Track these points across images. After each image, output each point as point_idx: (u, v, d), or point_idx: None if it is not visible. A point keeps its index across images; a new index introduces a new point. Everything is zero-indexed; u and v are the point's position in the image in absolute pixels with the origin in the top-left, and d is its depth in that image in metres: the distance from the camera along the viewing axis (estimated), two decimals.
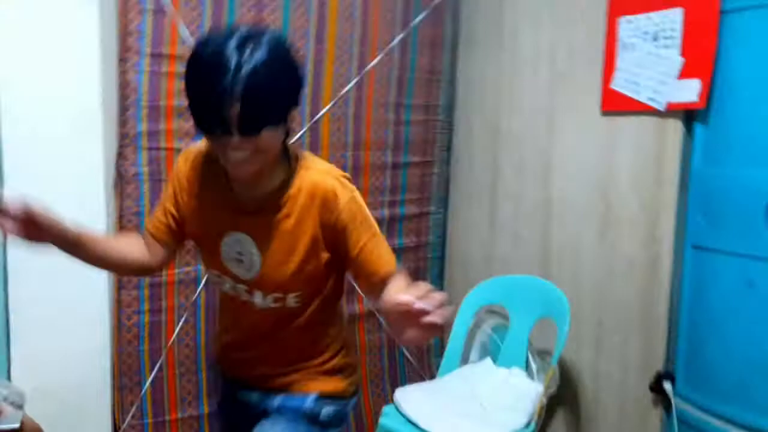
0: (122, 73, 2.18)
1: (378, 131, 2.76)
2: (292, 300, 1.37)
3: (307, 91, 2.52)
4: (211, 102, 1.12)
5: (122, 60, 2.17)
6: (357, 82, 2.64)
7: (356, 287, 2.69)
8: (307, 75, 2.52)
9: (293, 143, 1.38)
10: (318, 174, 1.32)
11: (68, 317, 2.09)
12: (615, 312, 2.38)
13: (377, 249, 1.33)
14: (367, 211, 1.34)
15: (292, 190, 1.30)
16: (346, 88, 2.62)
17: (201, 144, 1.38)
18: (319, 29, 2.53)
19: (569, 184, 2.52)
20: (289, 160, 1.33)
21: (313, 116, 2.55)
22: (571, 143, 2.51)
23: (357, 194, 1.33)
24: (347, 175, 1.37)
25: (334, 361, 1.49)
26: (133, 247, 1.43)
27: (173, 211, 1.41)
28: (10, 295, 2.00)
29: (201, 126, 1.19)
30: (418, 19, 2.78)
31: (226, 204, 1.34)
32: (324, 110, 2.58)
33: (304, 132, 2.53)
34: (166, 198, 1.43)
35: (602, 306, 2.42)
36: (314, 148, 2.55)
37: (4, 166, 1.97)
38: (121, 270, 1.66)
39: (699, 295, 2.13)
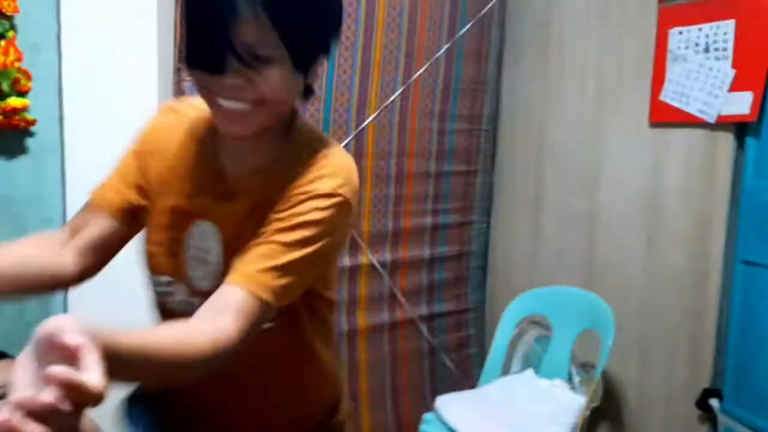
0: (177, 83, 2.26)
1: (422, 140, 2.79)
2: None
3: (353, 100, 2.56)
4: (211, 18, 0.83)
5: (177, 70, 2.25)
6: (402, 92, 2.68)
7: (357, 297, 2.70)
8: (354, 84, 2.56)
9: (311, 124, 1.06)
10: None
11: None
12: (661, 326, 2.34)
13: (273, 254, 0.90)
14: (335, 223, 0.94)
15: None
16: (392, 98, 2.66)
17: (194, 102, 1.05)
18: (366, 38, 2.57)
19: (616, 196, 2.50)
20: (293, 133, 1.00)
21: (358, 125, 2.59)
22: (618, 155, 2.49)
23: (350, 204, 0.96)
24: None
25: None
26: (36, 250, 1.00)
27: (138, 178, 1.04)
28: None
29: (192, 57, 0.88)
30: (464, 30, 2.80)
31: (205, 180, 1.00)
32: (370, 119, 2.61)
33: (350, 140, 2.57)
34: (130, 161, 1.06)
35: (648, 320, 2.39)
36: (358, 156, 2.58)
37: (67, 175, 2.06)
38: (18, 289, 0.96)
39: (749, 311, 2.09)
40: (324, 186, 0.93)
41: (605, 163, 2.53)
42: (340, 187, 0.94)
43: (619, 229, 2.49)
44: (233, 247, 0.94)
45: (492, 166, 3.05)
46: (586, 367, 2.47)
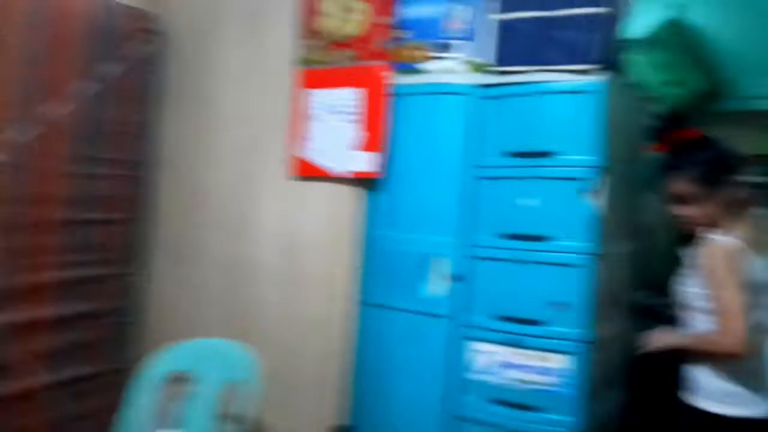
0: None
1: (64, 185, 2.51)
2: None
3: None
4: None
5: None
6: (39, 133, 2.39)
7: None
8: None
9: None
10: None
11: None
12: (303, 370, 2.45)
13: None
14: None
15: None
16: (24, 138, 2.36)
17: None
18: None
19: (261, 245, 2.58)
20: None
21: None
22: (264, 205, 2.59)
23: None
24: None
25: None
26: None
27: None
28: None
29: None
30: (114, 72, 2.66)
31: None
32: None
33: None
34: None
35: (292, 364, 2.47)
36: None
37: None
38: None
39: (369, 349, 2.32)
40: None
41: (253, 212, 2.61)
42: None
43: (264, 277, 2.56)
44: None
45: (145, 214, 2.90)
46: (234, 418, 2.43)
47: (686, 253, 1.77)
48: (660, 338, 1.76)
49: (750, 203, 1.77)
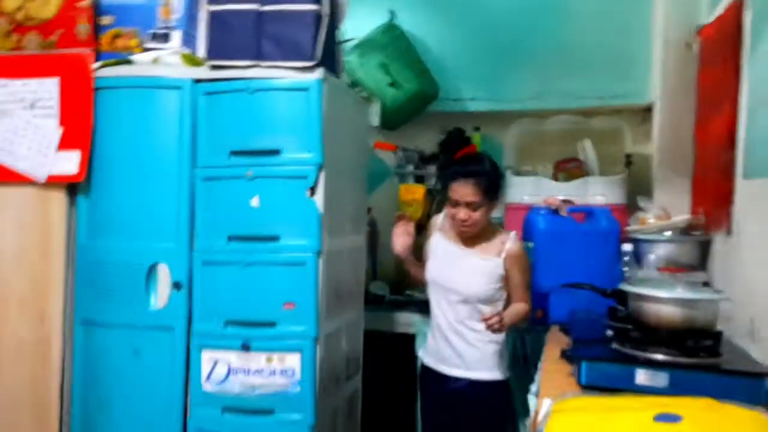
0: None
1: None
2: None
3: None
4: None
5: None
6: None
7: None
8: None
9: None
10: None
11: None
12: (4, 397, 2.09)
13: None
14: None
15: None
16: None
17: None
18: None
19: None
20: None
21: None
22: None
23: None
24: None
25: None
26: None
27: None
28: None
29: None
30: None
31: None
32: None
33: None
34: None
35: None
36: None
37: None
38: None
39: (90, 371, 2.07)
40: None
41: None
42: None
43: None
44: None
45: None
46: None
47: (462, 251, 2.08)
48: (509, 318, 1.95)
49: None
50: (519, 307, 2.04)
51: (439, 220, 2.21)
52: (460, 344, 2.04)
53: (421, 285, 2.21)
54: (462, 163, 2.13)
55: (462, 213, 2.00)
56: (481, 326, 1.93)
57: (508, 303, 2.06)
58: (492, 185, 2.03)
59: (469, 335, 2.03)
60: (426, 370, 2.14)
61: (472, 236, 2.07)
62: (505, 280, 2.05)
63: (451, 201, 2.03)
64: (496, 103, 2.94)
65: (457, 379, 2.05)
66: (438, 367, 2.09)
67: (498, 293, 2.06)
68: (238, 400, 1.96)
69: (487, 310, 2.00)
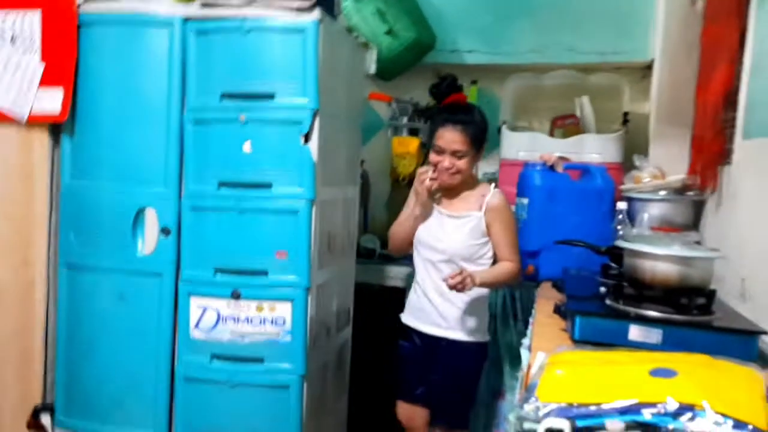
0: None
1: None
2: None
3: None
4: None
5: None
6: None
7: None
8: None
9: None
10: None
11: None
12: None
13: None
14: None
15: None
16: None
17: None
18: None
19: None
20: None
21: None
22: None
23: None
24: None
25: None
26: None
27: None
28: None
29: None
30: None
31: None
32: None
33: None
34: None
35: None
36: None
37: None
38: None
39: (75, 317, 2.04)
40: None
41: None
42: None
43: None
44: None
45: None
46: None
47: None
48: (480, 278, 1.87)
49: None
50: (501, 268, 1.98)
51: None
52: (442, 304, 2.01)
53: (405, 251, 2.14)
54: (451, 110, 2.08)
55: (447, 161, 1.95)
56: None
57: (495, 263, 2.02)
58: (479, 135, 1.98)
59: (451, 295, 1.95)
60: (406, 328, 2.11)
61: (453, 190, 2.01)
62: (490, 236, 2.00)
63: (435, 148, 1.98)
64: (494, 56, 2.86)
65: (437, 338, 2.02)
66: (417, 325, 2.06)
67: (482, 250, 2.00)
68: (228, 347, 1.95)
69: (471, 269, 1.94)
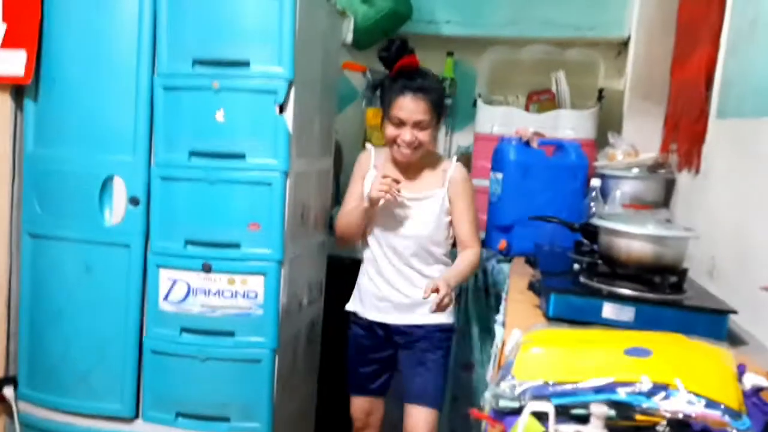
0: None
1: None
2: None
3: None
4: None
5: None
6: None
7: None
8: None
9: None
10: None
11: None
12: None
13: None
14: None
15: None
16: None
17: None
18: None
19: None
20: None
21: None
22: None
23: None
24: None
25: None
26: None
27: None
28: None
29: None
30: None
31: None
32: None
33: None
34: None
35: None
36: None
37: None
38: None
39: (39, 288, 1.98)
40: None
41: None
42: None
43: None
44: None
45: None
46: None
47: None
48: (454, 280, 1.80)
49: None
50: (465, 263, 1.86)
51: (368, 155, 1.99)
52: (407, 288, 1.90)
53: (355, 243, 2.04)
54: (408, 76, 1.87)
55: (408, 134, 1.81)
56: (430, 270, 1.89)
57: (454, 242, 1.94)
58: (440, 102, 1.85)
59: (416, 278, 1.89)
60: (362, 320, 1.97)
61: (412, 167, 1.89)
62: (453, 213, 1.90)
63: (394, 120, 1.82)
64: (471, 28, 2.83)
65: (404, 326, 1.92)
66: (378, 317, 1.94)
67: (448, 229, 1.91)
68: (198, 320, 1.91)
69: (437, 251, 1.90)
